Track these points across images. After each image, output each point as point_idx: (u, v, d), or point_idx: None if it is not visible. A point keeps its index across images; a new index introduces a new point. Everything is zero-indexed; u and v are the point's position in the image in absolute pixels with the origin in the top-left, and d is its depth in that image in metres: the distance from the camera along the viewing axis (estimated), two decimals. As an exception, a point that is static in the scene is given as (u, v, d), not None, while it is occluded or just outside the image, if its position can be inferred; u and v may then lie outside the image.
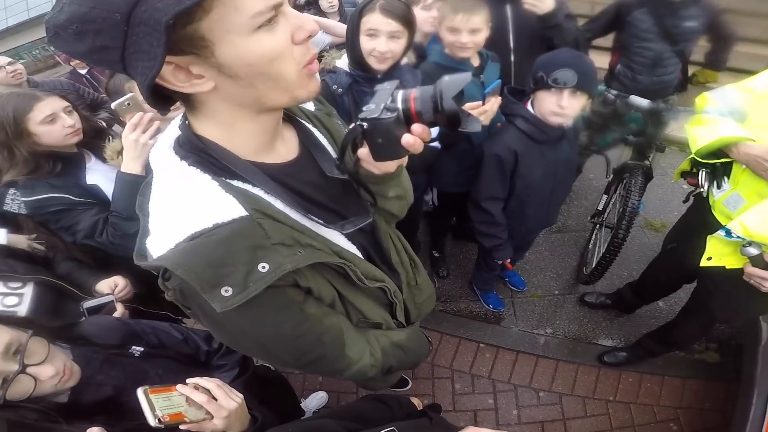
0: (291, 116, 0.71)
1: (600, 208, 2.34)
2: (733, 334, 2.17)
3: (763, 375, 1.50)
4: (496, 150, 1.46)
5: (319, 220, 0.61)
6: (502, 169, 1.49)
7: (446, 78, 0.53)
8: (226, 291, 0.49)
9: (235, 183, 0.56)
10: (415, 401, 1.52)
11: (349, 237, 0.70)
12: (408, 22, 1.30)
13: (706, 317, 1.61)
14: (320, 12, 2.64)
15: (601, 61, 2.38)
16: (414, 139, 0.55)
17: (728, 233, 1.18)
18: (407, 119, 0.55)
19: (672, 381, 2.08)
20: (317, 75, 0.56)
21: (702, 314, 1.62)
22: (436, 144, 1.49)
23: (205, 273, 0.49)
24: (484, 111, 1.31)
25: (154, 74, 0.43)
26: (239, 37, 0.45)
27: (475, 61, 1.60)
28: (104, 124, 1.60)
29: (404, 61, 1.45)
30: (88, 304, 1.18)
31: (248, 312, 0.54)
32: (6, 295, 1.11)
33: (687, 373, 2.09)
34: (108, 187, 1.34)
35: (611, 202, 2.30)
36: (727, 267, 1.27)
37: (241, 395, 0.83)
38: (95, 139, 1.44)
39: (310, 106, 0.77)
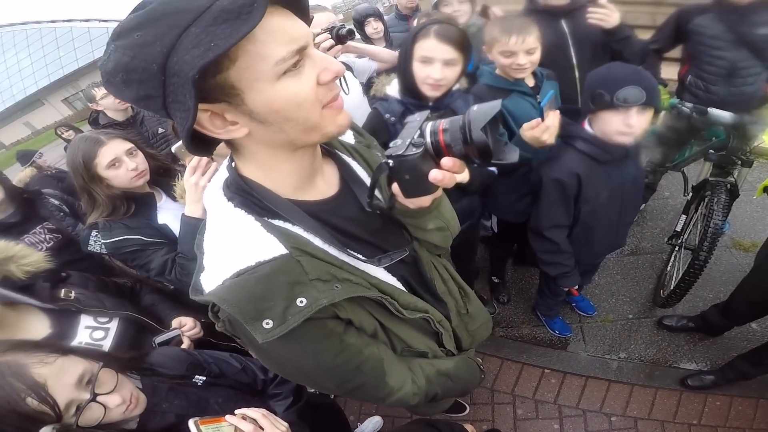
0: (331, 151, 0.73)
1: (678, 228, 2.17)
2: None
3: None
4: (557, 175, 1.39)
5: (358, 255, 0.62)
6: (565, 194, 1.42)
7: (474, 107, 0.52)
8: (267, 324, 0.52)
9: (276, 222, 0.59)
10: (470, 428, 1.48)
11: (389, 269, 0.70)
12: (463, 47, 1.26)
13: None
14: (366, 38, 2.67)
15: (669, 72, 2.27)
16: (443, 174, 0.54)
17: None
18: (437, 152, 0.54)
19: (763, 404, 1.86)
20: (344, 109, 0.58)
21: None
22: (492, 168, 1.46)
23: (247, 307, 0.52)
24: (546, 128, 1.24)
25: (190, 125, 0.45)
26: (266, 84, 0.47)
27: (530, 81, 1.56)
28: (170, 160, 1.63)
29: (456, 86, 1.42)
30: (159, 339, 1.25)
31: (289, 343, 0.56)
32: (94, 329, 1.18)
33: None
34: (177, 225, 1.38)
35: (691, 222, 2.13)
36: None
37: (286, 424, 0.86)
38: (164, 177, 1.49)
39: (349, 138, 0.79)
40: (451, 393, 0.94)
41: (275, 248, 0.55)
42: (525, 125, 1.27)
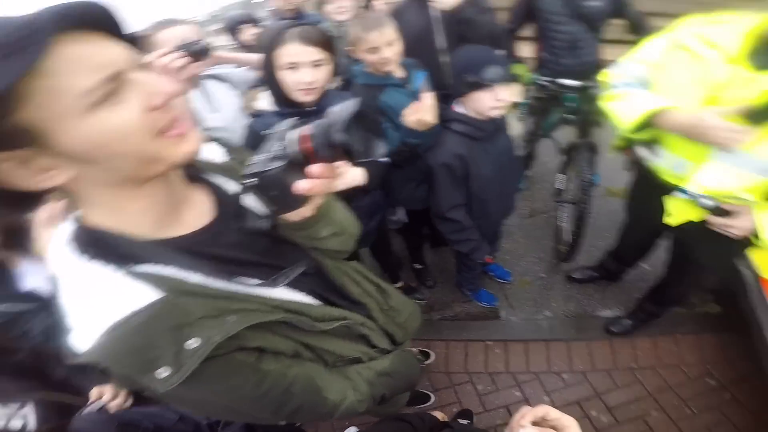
0: (199, 176, 0.66)
1: (559, 187, 2.44)
2: (724, 283, 2.19)
3: (763, 315, 1.58)
4: (443, 159, 1.47)
5: (250, 281, 0.60)
6: (454, 176, 1.50)
7: (334, 108, 0.51)
8: (163, 372, 0.48)
9: (143, 268, 0.52)
10: (439, 414, 1.50)
11: (294, 286, 0.67)
12: (328, 46, 1.26)
13: (691, 271, 1.66)
14: (242, 47, 2.50)
15: (528, 50, 2.51)
16: (311, 183, 0.52)
17: (685, 193, 1.24)
18: (304, 160, 0.51)
19: (686, 338, 2.12)
20: (189, 133, 0.53)
21: (686, 268, 1.68)
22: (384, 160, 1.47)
23: (131, 360, 0.48)
24: (425, 108, 1.28)
25: None
26: (76, 120, 0.42)
27: (400, 73, 1.59)
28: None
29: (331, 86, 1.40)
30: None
31: (197, 385, 0.52)
32: (11, 417, 1.09)
33: (697, 328, 2.14)
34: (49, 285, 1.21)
35: (568, 180, 2.39)
36: (689, 220, 1.33)
37: None
38: (16, 238, 1.26)
39: (218, 157, 0.73)
40: (397, 390, 0.94)
41: (148, 295, 0.50)
42: (405, 111, 1.31)
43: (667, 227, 1.43)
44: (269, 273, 0.63)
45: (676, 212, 1.35)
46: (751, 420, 1.79)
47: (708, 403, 1.87)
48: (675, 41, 1.21)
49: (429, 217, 1.84)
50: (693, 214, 1.32)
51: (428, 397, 2.09)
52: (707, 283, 2.26)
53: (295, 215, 0.61)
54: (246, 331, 0.55)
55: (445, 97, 1.51)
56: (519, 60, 2.41)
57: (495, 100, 1.35)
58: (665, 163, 1.30)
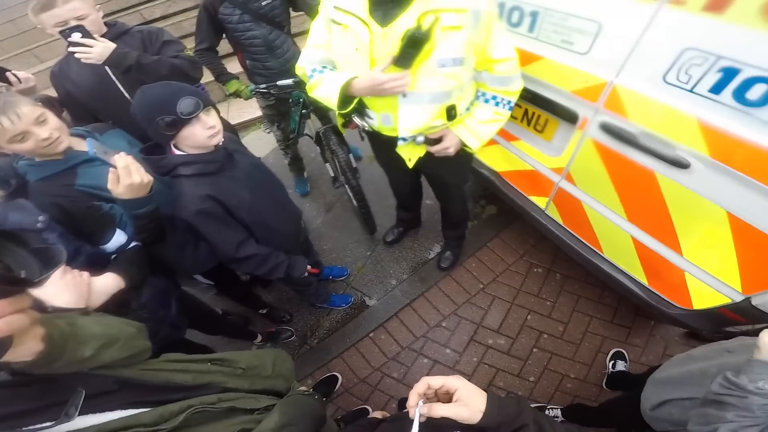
0: None
1: (332, 174, 2.59)
2: (483, 187, 2.75)
3: (518, 199, 2.01)
4: (193, 209, 1.31)
5: (42, 426, 0.57)
6: (217, 217, 1.38)
7: None
8: None
9: None
10: (379, 414, 1.48)
11: (99, 409, 0.65)
12: None
13: (454, 188, 1.96)
14: None
15: (234, 66, 2.47)
16: None
17: (403, 139, 1.45)
18: None
19: (495, 243, 2.55)
20: None
21: (446, 190, 2.00)
22: (124, 245, 1.29)
23: None
24: (125, 170, 1.12)
25: None
26: None
27: (83, 146, 1.36)
28: None
29: None
30: None
31: None
32: None
33: (494, 232, 2.59)
34: None
35: (333, 165, 2.56)
36: (422, 156, 1.58)
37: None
38: None
39: None
40: (309, 430, 0.94)
41: None
42: (109, 186, 1.13)
43: (417, 169, 1.67)
44: (57, 411, 0.59)
45: (407, 155, 1.59)
46: (584, 284, 2.30)
47: (553, 289, 2.33)
48: (326, 19, 1.36)
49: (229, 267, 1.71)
50: (419, 152, 1.57)
51: (336, 379, 2.14)
52: (475, 192, 2.85)
53: (19, 359, 0.56)
54: None
55: (157, 147, 1.35)
56: (232, 77, 2.37)
57: (206, 129, 1.26)
58: (377, 121, 1.49)
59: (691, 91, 1.12)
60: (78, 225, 1.21)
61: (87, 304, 1.00)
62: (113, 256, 1.28)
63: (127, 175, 1.12)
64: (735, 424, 0.72)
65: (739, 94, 1.02)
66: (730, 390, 0.75)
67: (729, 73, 1.02)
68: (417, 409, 0.62)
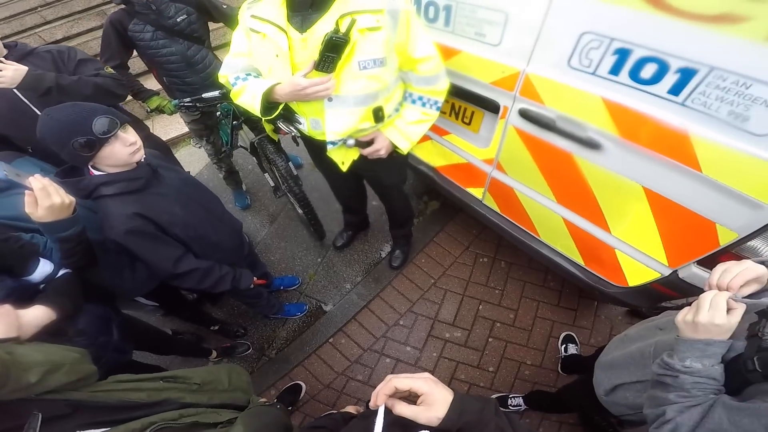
0: None
1: (272, 184, 2.49)
2: (424, 183, 2.76)
3: (457, 192, 2.02)
4: (122, 228, 1.25)
5: None
6: (149, 234, 1.31)
7: None
8: None
9: None
10: (353, 409, 1.45)
11: (66, 430, 0.67)
12: None
13: (394, 188, 1.95)
14: None
15: (152, 83, 2.32)
16: None
17: (332, 143, 1.41)
18: None
19: (441, 237, 2.57)
20: None
21: (386, 190, 1.99)
22: (51, 274, 1.20)
23: None
24: (42, 191, 1.04)
25: None
26: None
27: None
28: None
29: None
30: None
31: None
32: None
33: (439, 226, 2.62)
34: None
35: (272, 175, 2.46)
36: (356, 159, 1.55)
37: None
38: None
39: None
40: None
41: None
42: (27, 210, 1.05)
43: (354, 171, 1.63)
44: None
45: (340, 159, 1.55)
46: (528, 270, 2.35)
47: (500, 277, 2.37)
48: (244, 27, 1.32)
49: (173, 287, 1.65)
50: (351, 155, 1.54)
51: (299, 387, 2.10)
52: (417, 190, 2.86)
53: None
54: None
55: (74, 168, 1.26)
56: (152, 93, 2.21)
57: (127, 146, 1.20)
58: (307, 126, 1.45)
59: (593, 73, 1.17)
60: None
61: (18, 333, 0.94)
62: (41, 286, 1.19)
63: (45, 196, 1.04)
64: (679, 405, 0.73)
65: (635, 74, 1.08)
66: (665, 371, 0.76)
67: (623, 54, 1.08)
68: (381, 410, 0.62)
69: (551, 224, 1.67)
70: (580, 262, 1.68)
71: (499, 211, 1.91)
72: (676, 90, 1.04)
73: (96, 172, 1.24)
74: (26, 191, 1.04)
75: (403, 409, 0.62)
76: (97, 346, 1.33)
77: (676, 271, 1.31)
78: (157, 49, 2.02)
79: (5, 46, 1.58)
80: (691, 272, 1.26)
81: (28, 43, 1.70)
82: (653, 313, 1.32)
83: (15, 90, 1.53)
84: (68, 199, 1.10)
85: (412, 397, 0.65)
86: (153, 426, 0.73)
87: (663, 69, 1.03)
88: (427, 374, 0.66)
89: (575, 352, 2.02)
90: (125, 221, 1.25)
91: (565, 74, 1.23)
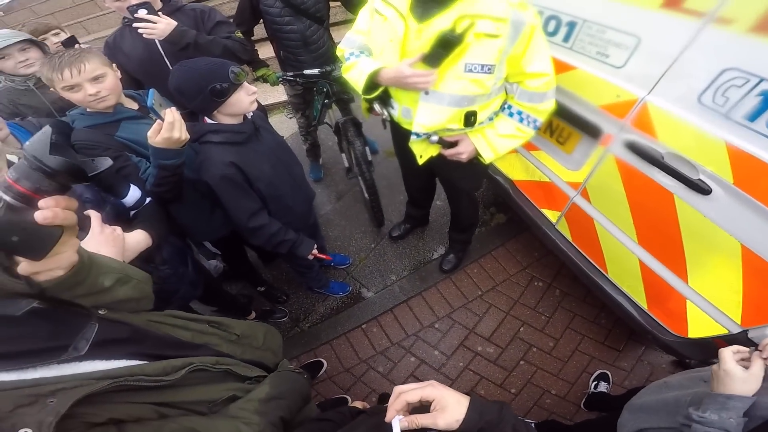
0: None
1: (347, 165, 2.59)
2: (495, 194, 2.71)
3: (530, 210, 1.97)
4: (217, 173, 1.38)
5: (37, 362, 0.57)
6: (237, 184, 1.43)
7: (27, 144, 0.51)
8: None
9: None
10: (360, 404, 1.48)
11: (107, 354, 0.66)
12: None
13: (465, 194, 1.95)
14: None
15: (267, 51, 2.50)
16: (51, 212, 0.51)
17: (417, 135, 1.45)
18: (28, 202, 0.50)
19: (499, 252, 2.52)
20: None
21: (458, 194, 1.98)
22: (140, 200, 1.35)
23: None
24: (170, 125, 1.18)
25: None
26: None
27: (133, 105, 1.47)
28: None
29: None
30: None
31: None
32: None
33: (500, 240, 2.57)
34: None
35: (348, 156, 2.55)
36: (434, 156, 1.57)
37: None
38: None
39: None
40: (293, 408, 0.94)
41: None
42: (149, 133, 1.19)
43: (431, 167, 1.66)
44: (59, 353, 0.59)
45: (419, 152, 1.59)
46: (582, 303, 2.26)
47: (550, 304, 2.29)
48: (371, 8, 1.40)
49: (240, 241, 1.78)
50: (431, 150, 1.56)
51: (321, 364, 2.14)
52: (485, 200, 2.83)
53: (56, 266, 0.58)
54: (84, 408, 0.56)
55: (191, 115, 1.42)
56: (262, 64, 2.38)
57: (249, 94, 1.36)
58: (398, 113, 1.49)
59: (725, 115, 1.09)
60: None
61: (123, 259, 1.05)
62: (132, 212, 1.35)
63: (170, 129, 1.19)
64: None
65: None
66: (685, 419, 0.80)
67: (768, 98, 0.99)
68: (397, 422, 0.61)
69: (624, 263, 1.57)
70: (643, 305, 1.58)
71: (570, 239, 1.83)
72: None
73: (209, 121, 1.39)
74: (157, 120, 1.18)
75: (421, 420, 0.60)
76: (177, 276, 1.48)
77: (747, 330, 1.23)
78: (281, 25, 2.17)
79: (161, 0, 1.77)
80: (763, 334, 1.19)
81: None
82: (700, 366, 1.24)
83: (156, 41, 1.71)
84: (185, 135, 1.23)
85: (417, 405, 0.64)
86: (192, 366, 0.75)
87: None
88: (431, 381, 0.65)
89: (605, 390, 1.91)
90: (222, 167, 1.38)
91: (692, 110, 1.16)
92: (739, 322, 1.25)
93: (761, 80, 0.99)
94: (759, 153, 1.04)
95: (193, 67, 1.29)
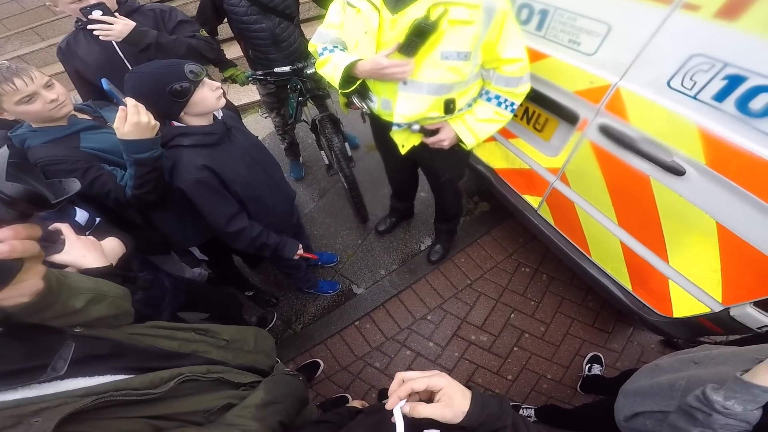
0: None
1: (327, 161, 2.56)
2: (478, 183, 2.72)
3: (512, 197, 1.99)
4: (190, 177, 1.33)
5: (16, 384, 0.56)
6: (212, 188, 1.38)
7: None
8: None
9: None
10: (358, 403, 1.48)
11: (89, 371, 0.64)
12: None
13: (448, 183, 1.93)
14: None
15: (234, 51, 2.42)
16: (8, 245, 0.49)
17: (398, 125, 1.44)
18: None
19: (485, 240, 2.54)
20: None
21: (440, 183, 1.96)
22: (90, 219, 1.29)
23: None
24: (134, 109, 1.14)
25: None
26: None
27: (84, 117, 1.41)
28: None
29: None
30: None
31: None
32: None
33: (485, 229, 2.59)
34: None
35: (328, 153, 2.52)
36: (416, 145, 1.57)
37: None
38: None
39: None
40: (291, 412, 0.93)
41: None
42: (116, 125, 1.15)
43: (413, 157, 1.65)
44: (38, 373, 0.58)
45: (401, 142, 1.58)
46: (569, 287, 2.30)
47: (538, 289, 2.33)
48: (342, 1, 1.37)
49: (222, 247, 1.73)
50: (413, 140, 1.56)
51: (317, 365, 2.13)
52: (468, 189, 2.84)
53: (19, 294, 0.56)
54: (72, 426, 0.54)
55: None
56: (230, 64, 2.31)
57: (214, 90, 1.31)
58: (378, 105, 1.48)
59: (694, 97, 1.12)
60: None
61: (110, 262, 1.01)
62: (87, 233, 1.27)
63: (135, 113, 1.14)
64: None
65: (742, 103, 1.02)
66: (701, 405, 0.75)
67: (734, 81, 1.02)
68: (399, 409, 0.59)
69: (606, 245, 1.62)
70: (628, 286, 1.62)
71: (553, 223, 1.87)
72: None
73: (177, 124, 1.33)
74: (120, 107, 1.14)
75: (424, 410, 0.59)
76: (158, 284, 1.40)
77: (728, 308, 1.27)
78: (249, 24, 2.08)
79: (117, 1, 1.68)
80: (744, 312, 1.22)
81: (137, 0, 1.80)
82: (688, 345, 1.28)
83: (114, 43, 1.63)
84: (153, 120, 1.19)
85: (423, 398, 0.64)
86: (181, 376, 0.73)
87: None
88: (437, 371, 0.64)
89: (599, 372, 1.98)
90: (195, 171, 1.32)
91: (662, 94, 1.18)
92: (720, 300, 1.29)
93: (725, 65, 1.02)
94: (729, 135, 1.07)
95: (145, 72, 1.23)
